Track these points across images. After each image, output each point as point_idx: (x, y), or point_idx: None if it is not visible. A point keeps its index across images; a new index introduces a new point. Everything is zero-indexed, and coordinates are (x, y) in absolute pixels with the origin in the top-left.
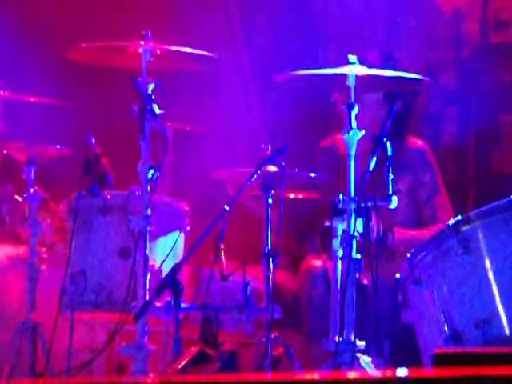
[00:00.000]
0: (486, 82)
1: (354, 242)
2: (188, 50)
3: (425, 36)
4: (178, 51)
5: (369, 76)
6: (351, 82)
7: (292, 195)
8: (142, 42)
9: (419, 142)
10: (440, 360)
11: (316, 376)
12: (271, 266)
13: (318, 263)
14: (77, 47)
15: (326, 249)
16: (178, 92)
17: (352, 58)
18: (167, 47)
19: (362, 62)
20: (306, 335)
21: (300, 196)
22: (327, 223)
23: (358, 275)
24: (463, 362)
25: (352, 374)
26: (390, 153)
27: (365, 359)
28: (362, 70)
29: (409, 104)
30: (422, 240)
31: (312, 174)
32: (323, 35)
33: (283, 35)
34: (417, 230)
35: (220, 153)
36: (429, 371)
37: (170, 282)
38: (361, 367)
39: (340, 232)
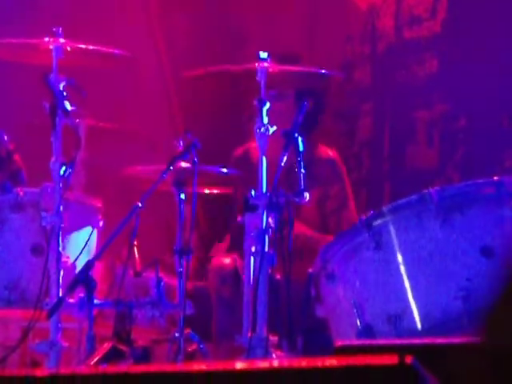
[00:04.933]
0: (401, 77)
1: (266, 237)
2: (98, 47)
3: (340, 31)
4: (89, 48)
5: (280, 72)
6: (261, 78)
7: (207, 191)
8: (52, 39)
9: (330, 152)
10: (342, 353)
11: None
12: (184, 262)
13: (227, 261)
14: None
15: (237, 246)
16: (91, 88)
17: (263, 54)
18: (78, 44)
19: (273, 58)
20: (216, 334)
21: (215, 191)
22: (239, 219)
23: (270, 270)
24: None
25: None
26: (301, 148)
27: (278, 354)
28: (273, 66)
29: (319, 102)
30: (320, 240)
31: (224, 170)
32: (242, 35)
33: (205, 34)
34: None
35: (135, 149)
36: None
37: (83, 279)
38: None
39: (252, 228)
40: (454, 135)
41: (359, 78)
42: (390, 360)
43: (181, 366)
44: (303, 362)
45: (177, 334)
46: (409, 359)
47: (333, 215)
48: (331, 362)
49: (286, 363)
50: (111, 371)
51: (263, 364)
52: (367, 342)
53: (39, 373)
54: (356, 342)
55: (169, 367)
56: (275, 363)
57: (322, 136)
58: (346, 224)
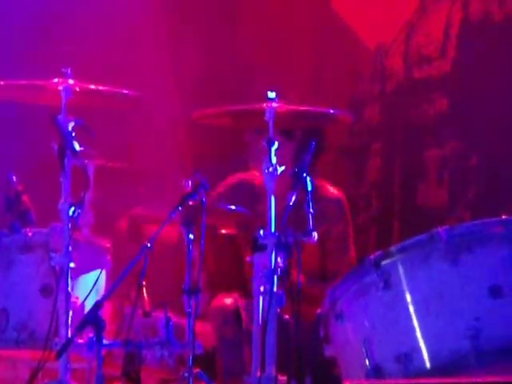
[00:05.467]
0: (411, 116)
1: (275, 277)
2: (107, 87)
3: (348, 69)
4: (98, 89)
5: (289, 111)
6: (270, 118)
7: (223, 231)
8: (61, 80)
9: (336, 191)
10: None
11: None
12: (192, 302)
13: (228, 301)
14: None
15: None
16: (100, 128)
17: (271, 94)
18: (87, 85)
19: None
20: (221, 374)
21: (223, 231)
22: (248, 258)
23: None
24: None
25: None
26: (309, 188)
27: None
28: (281, 106)
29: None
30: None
31: (233, 207)
32: (251, 73)
33: (214, 72)
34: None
35: (144, 190)
36: None
37: (92, 319)
38: None
39: (261, 267)
40: (465, 174)
41: (369, 117)
42: None
43: None
44: None
45: (186, 374)
46: None
47: (332, 256)
48: None
49: None
50: None
51: None
52: (376, 382)
53: None
54: (365, 381)
55: None
56: None
57: (329, 175)
58: (345, 268)
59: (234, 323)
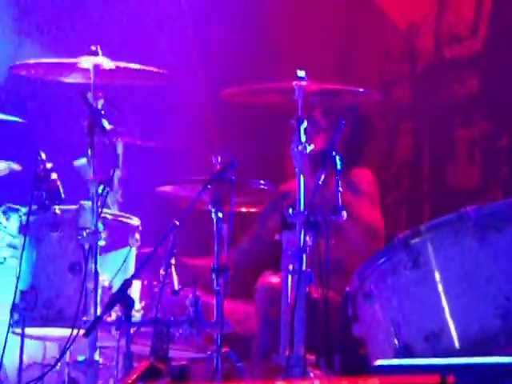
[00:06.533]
0: (441, 96)
1: (304, 255)
2: (136, 65)
3: (379, 50)
4: (126, 67)
5: (319, 90)
6: (299, 96)
7: (243, 209)
8: (91, 57)
9: (364, 172)
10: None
11: None
12: (221, 280)
13: (276, 280)
14: (25, 63)
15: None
16: (128, 106)
17: (300, 72)
18: (115, 63)
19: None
20: (257, 354)
21: (252, 210)
22: (277, 237)
23: (307, 289)
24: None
25: None
26: (339, 166)
27: (315, 373)
28: (311, 84)
29: (357, 132)
30: None
31: (262, 182)
32: (279, 52)
33: (242, 51)
34: None
35: (172, 167)
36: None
37: (121, 298)
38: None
39: (290, 246)
40: (496, 154)
41: (398, 97)
42: (433, 380)
43: None
44: (344, 382)
45: (214, 353)
46: (451, 379)
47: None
48: (373, 381)
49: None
50: None
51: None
52: (406, 361)
53: None
54: (394, 361)
55: None
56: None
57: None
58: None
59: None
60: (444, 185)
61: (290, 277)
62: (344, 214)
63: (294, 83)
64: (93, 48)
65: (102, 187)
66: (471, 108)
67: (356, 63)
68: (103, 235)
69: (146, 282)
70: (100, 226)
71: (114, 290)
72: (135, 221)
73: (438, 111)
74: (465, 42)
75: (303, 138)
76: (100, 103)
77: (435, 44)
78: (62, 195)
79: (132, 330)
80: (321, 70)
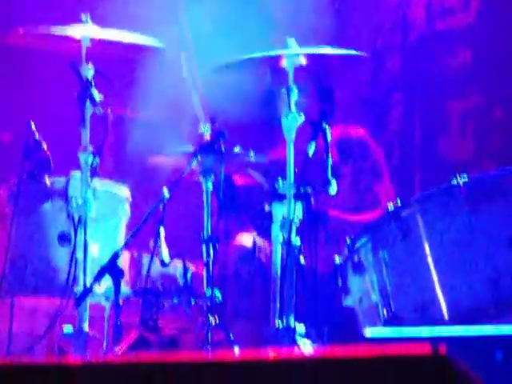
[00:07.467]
0: (433, 68)
1: (294, 227)
2: (127, 37)
3: (370, 21)
4: (116, 37)
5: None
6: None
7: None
8: (81, 27)
9: (360, 131)
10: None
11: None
12: (211, 251)
13: (248, 240)
14: (15, 32)
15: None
16: (118, 77)
17: (290, 40)
18: (106, 34)
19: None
20: (229, 312)
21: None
22: (267, 208)
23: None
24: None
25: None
26: (329, 138)
27: (304, 343)
28: (299, 51)
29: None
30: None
31: (251, 154)
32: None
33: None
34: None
35: (162, 138)
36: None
37: (110, 268)
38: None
39: (279, 217)
40: (488, 126)
41: (389, 68)
42: (423, 350)
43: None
44: (337, 352)
45: (203, 323)
46: (442, 349)
47: (368, 191)
48: (364, 351)
49: (318, 353)
50: (139, 360)
51: (293, 353)
52: (395, 331)
53: (72, 361)
54: (384, 331)
55: (195, 356)
56: (307, 353)
57: (351, 125)
58: (383, 197)
59: (251, 262)
60: (435, 156)
61: (279, 247)
62: (333, 184)
63: (283, 51)
64: (83, 17)
65: (91, 157)
66: (464, 81)
67: (348, 32)
68: (93, 205)
69: (135, 253)
70: (89, 196)
71: (104, 260)
72: (125, 191)
73: (430, 83)
74: (457, 15)
75: (293, 108)
76: (90, 74)
77: (427, 16)
78: (52, 165)
79: (121, 301)
80: (312, 40)
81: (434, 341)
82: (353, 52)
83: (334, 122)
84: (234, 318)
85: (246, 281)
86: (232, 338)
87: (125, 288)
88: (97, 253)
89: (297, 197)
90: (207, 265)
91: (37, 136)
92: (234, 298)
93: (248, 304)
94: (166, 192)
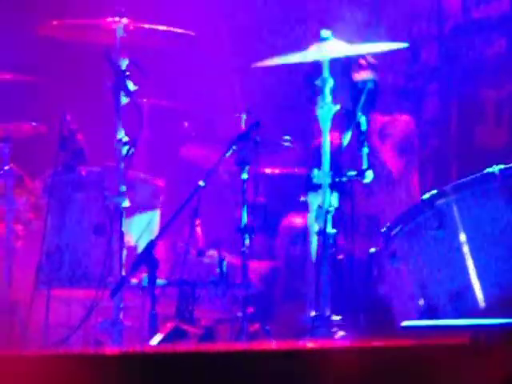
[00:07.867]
0: (468, 57)
1: (329, 216)
2: (162, 27)
3: (406, 11)
4: (151, 28)
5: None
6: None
7: (268, 170)
8: (117, 19)
9: (404, 117)
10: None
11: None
12: (247, 241)
13: (298, 221)
14: (50, 24)
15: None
16: (153, 67)
17: (325, 32)
18: (140, 24)
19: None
20: (280, 295)
21: (276, 171)
22: (302, 198)
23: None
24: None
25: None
26: (364, 127)
27: (340, 333)
28: (334, 48)
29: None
30: None
31: (287, 138)
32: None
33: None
34: None
35: (197, 129)
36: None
37: (146, 258)
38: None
39: (315, 207)
40: None
41: (425, 58)
42: (462, 340)
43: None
44: (374, 342)
45: (239, 314)
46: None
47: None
48: (403, 341)
49: (356, 343)
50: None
51: (330, 343)
52: (432, 322)
53: (109, 351)
54: (421, 322)
55: (231, 346)
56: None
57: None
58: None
59: (302, 243)
60: (472, 145)
61: (315, 237)
62: (369, 174)
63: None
64: (117, 9)
65: (126, 148)
66: (499, 69)
67: (383, 23)
68: (128, 196)
69: (171, 244)
70: (124, 187)
71: (139, 250)
72: (160, 181)
73: (465, 72)
74: (493, 3)
75: (328, 98)
76: (124, 64)
77: (462, 4)
78: (87, 156)
79: (156, 291)
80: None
81: (472, 330)
82: (393, 45)
83: (373, 111)
84: (283, 301)
85: (297, 263)
86: (267, 328)
87: (160, 278)
88: (132, 243)
89: (332, 186)
90: (243, 254)
91: (72, 127)
92: (285, 280)
93: (298, 286)
94: (201, 182)
